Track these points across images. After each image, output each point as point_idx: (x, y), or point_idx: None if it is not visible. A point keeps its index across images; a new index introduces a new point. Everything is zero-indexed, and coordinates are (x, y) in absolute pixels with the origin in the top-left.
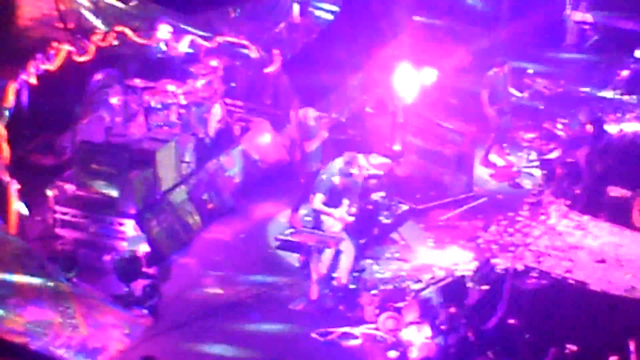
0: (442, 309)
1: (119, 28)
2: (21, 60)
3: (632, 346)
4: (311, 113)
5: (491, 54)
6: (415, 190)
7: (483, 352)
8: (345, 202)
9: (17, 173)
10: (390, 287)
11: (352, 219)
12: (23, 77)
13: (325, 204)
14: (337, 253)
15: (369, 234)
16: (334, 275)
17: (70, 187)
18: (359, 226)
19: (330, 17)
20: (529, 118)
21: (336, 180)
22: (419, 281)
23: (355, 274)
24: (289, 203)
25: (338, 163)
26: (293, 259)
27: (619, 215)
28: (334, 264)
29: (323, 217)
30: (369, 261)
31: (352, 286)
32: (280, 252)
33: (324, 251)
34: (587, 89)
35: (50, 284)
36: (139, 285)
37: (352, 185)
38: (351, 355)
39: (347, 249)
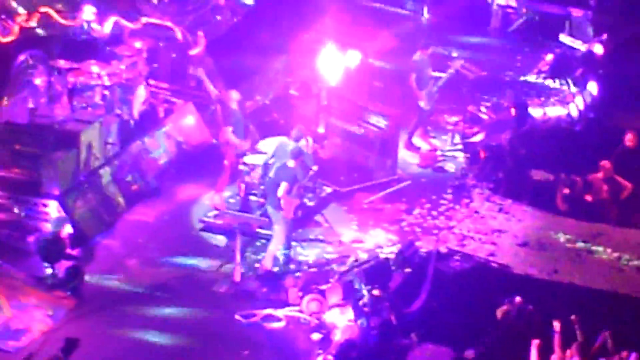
0: (365, 292)
1: (43, 9)
2: None
3: (556, 327)
4: (234, 95)
5: (416, 38)
6: (339, 173)
7: (406, 334)
8: (283, 184)
9: None
10: (313, 269)
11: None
12: None
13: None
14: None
15: (293, 216)
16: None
17: None
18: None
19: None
20: (452, 102)
21: (291, 163)
22: (343, 264)
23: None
24: (212, 185)
25: (285, 145)
26: (217, 241)
27: (541, 198)
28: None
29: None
30: (292, 244)
31: (275, 269)
32: (204, 234)
33: (273, 235)
34: (511, 73)
35: None
36: (62, 267)
37: (302, 164)
38: (275, 337)
39: (278, 233)
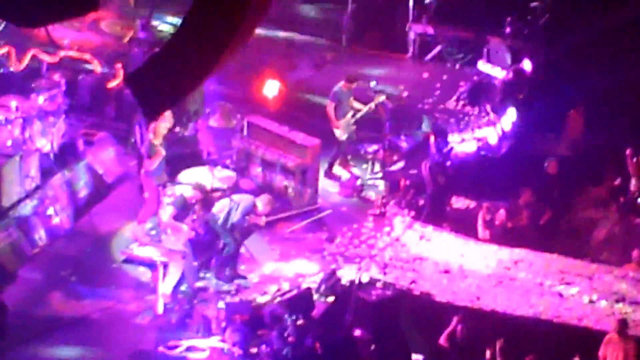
0: (289, 321)
1: None
2: None
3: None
4: (161, 129)
5: (334, 67)
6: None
7: None
8: (169, 208)
9: None
10: (236, 299)
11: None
12: None
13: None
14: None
15: (214, 247)
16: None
17: None
18: (204, 240)
19: (172, 30)
20: (372, 130)
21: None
22: (265, 293)
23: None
24: (134, 217)
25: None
26: (139, 272)
27: (462, 226)
28: (180, 277)
29: (169, 230)
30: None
31: (197, 300)
32: (126, 266)
33: (169, 265)
34: (430, 101)
35: None
36: None
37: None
38: None
39: (176, 263)
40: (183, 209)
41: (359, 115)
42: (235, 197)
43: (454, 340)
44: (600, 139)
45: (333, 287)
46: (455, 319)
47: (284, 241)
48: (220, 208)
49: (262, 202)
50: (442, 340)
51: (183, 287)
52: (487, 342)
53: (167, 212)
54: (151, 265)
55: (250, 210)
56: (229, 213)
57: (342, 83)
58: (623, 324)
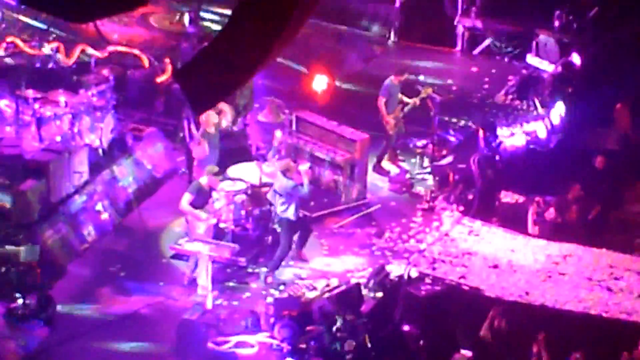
0: (338, 317)
1: (10, 38)
2: None
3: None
4: (212, 119)
5: (383, 61)
6: (308, 197)
7: (379, 358)
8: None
9: None
10: (285, 295)
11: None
12: None
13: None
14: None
15: (263, 242)
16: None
17: None
18: (252, 235)
19: (219, 26)
20: (421, 125)
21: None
22: (314, 289)
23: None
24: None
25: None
26: (188, 268)
27: (511, 220)
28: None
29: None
30: (263, 269)
31: (247, 294)
32: (175, 261)
33: (200, 262)
34: (478, 95)
35: None
36: (34, 297)
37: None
38: None
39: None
40: (199, 195)
41: (407, 108)
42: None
43: (499, 334)
44: None
45: (382, 282)
46: (492, 311)
47: (333, 236)
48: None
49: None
50: (483, 332)
51: (231, 283)
52: (535, 337)
53: (184, 200)
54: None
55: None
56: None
57: (392, 77)
58: None
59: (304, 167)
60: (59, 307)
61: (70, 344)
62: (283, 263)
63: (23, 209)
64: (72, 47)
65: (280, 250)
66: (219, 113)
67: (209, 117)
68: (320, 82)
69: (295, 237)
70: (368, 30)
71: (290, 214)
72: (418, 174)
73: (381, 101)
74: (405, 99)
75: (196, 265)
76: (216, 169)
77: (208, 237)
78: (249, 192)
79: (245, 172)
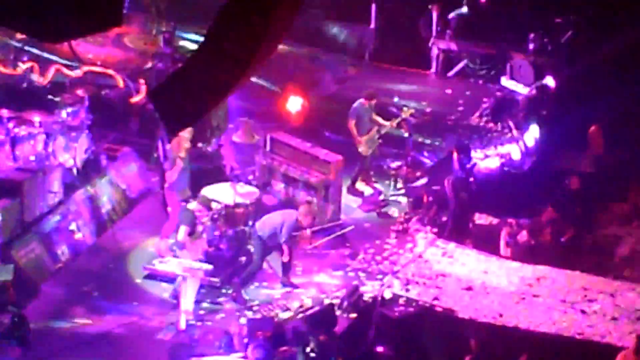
0: (311, 337)
1: None
2: None
3: None
4: (185, 144)
5: (357, 83)
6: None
7: None
8: (183, 227)
9: None
10: (258, 315)
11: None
12: None
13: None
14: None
15: (237, 262)
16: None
17: None
18: (226, 255)
19: (194, 46)
20: (395, 146)
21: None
22: (288, 309)
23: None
24: (157, 232)
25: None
26: (161, 288)
27: (485, 242)
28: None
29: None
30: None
31: (220, 315)
32: (149, 282)
33: (189, 280)
34: (453, 117)
35: None
36: (6, 317)
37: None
38: None
39: (196, 279)
40: (194, 224)
41: (384, 130)
42: (278, 215)
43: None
44: (622, 156)
45: (355, 303)
46: (473, 343)
47: (307, 257)
48: (267, 224)
49: (302, 215)
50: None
51: (205, 304)
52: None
53: (181, 232)
54: (173, 280)
55: (295, 227)
56: (274, 231)
57: (361, 100)
58: (639, 341)
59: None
60: (32, 326)
61: None
62: (256, 284)
63: None
64: (47, 67)
65: (251, 267)
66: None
67: (180, 142)
68: (294, 103)
69: (276, 261)
70: (343, 51)
71: (268, 238)
72: (392, 195)
73: (351, 123)
74: (382, 121)
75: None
76: (188, 193)
77: (201, 259)
78: (223, 212)
79: (219, 193)
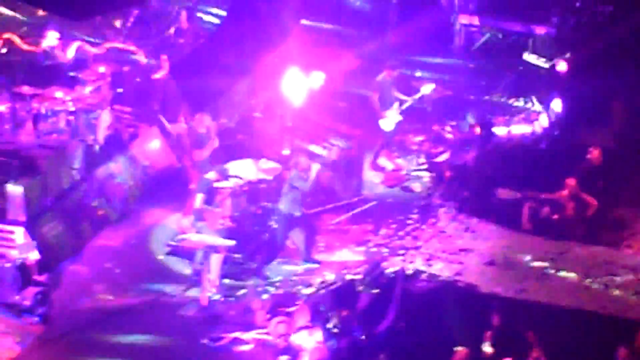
0: (333, 313)
1: (6, 35)
2: None
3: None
4: (206, 121)
5: (379, 58)
6: (305, 194)
7: (375, 355)
8: (199, 195)
9: None
10: (281, 291)
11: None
12: None
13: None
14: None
15: (260, 239)
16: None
17: None
18: (249, 231)
19: (217, 21)
20: (417, 121)
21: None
22: (310, 285)
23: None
24: (179, 209)
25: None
26: (184, 264)
27: (507, 217)
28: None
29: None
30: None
31: (243, 291)
32: (171, 258)
33: (212, 257)
34: (475, 92)
35: None
36: (29, 293)
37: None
38: None
39: (219, 255)
40: (209, 192)
41: (405, 105)
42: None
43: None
44: None
45: (378, 279)
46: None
47: (329, 233)
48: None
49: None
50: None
51: (227, 280)
52: (531, 334)
53: (198, 199)
54: (196, 257)
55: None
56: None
57: (384, 73)
58: None
59: (317, 165)
60: (54, 304)
61: (66, 339)
62: (279, 259)
63: (19, 205)
64: (69, 44)
65: (276, 244)
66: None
67: (203, 119)
68: (316, 79)
69: (299, 237)
70: (365, 26)
71: (290, 208)
72: (414, 170)
73: (374, 97)
74: (402, 97)
75: (203, 259)
76: (226, 170)
77: (223, 232)
78: (246, 188)
79: (243, 169)
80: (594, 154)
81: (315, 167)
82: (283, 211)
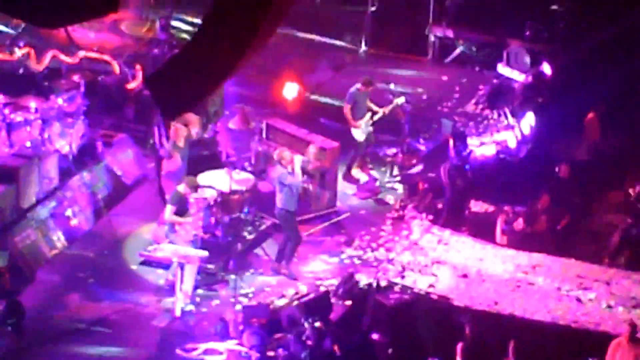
0: (307, 324)
1: None
2: None
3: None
4: (181, 131)
5: (353, 70)
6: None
7: None
8: (168, 207)
9: None
10: (254, 302)
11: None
12: None
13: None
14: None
15: (233, 249)
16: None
17: None
18: (222, 242)
19: (192, 31)
20: (391, 133)
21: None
22: (283, 296)
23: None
24: (153, 219)
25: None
26: (157, 275)
27: (480, 230)
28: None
29: (176, 227)
30: (232, 276)
31: (216, 302)
32: (145, 268)
33: (186, 267)
34: (449, 104)
35: None
36: (1, 303)
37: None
38: None
39: (193, 265)
40: (180, 204)
41: (376, 117)
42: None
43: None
44: (618, 143)
45: (351, 291)
46: (467, 331)
47: (302, 244)
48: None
49: (312, 155)
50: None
51: (200, 290)
52: (504, 347)
53: (168, 211)
54: (169, 267)
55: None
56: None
57: (358, 85)
58: (633, 329)
59: (299, 157)
60: (27, 313)
61: (39, 349)
62: (252, 270)
63: None
64: (43, 53)
65: (291, 242)
66: (187, 124)
67: (179, 131)
68: (290, 90)
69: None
70: (339, 38)
71: (287, 204)
72: (388, 182)
73: (347, 108)
74: (375, 108)
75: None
76: (197, 182)
77: (196, 243)
78: (219, 199)
79: (215, 180)
80: (563, 169)
81: (298, 160)
82: (279, 208)
